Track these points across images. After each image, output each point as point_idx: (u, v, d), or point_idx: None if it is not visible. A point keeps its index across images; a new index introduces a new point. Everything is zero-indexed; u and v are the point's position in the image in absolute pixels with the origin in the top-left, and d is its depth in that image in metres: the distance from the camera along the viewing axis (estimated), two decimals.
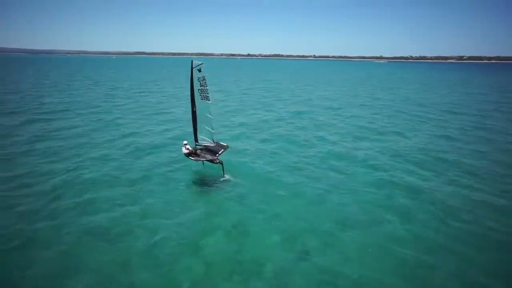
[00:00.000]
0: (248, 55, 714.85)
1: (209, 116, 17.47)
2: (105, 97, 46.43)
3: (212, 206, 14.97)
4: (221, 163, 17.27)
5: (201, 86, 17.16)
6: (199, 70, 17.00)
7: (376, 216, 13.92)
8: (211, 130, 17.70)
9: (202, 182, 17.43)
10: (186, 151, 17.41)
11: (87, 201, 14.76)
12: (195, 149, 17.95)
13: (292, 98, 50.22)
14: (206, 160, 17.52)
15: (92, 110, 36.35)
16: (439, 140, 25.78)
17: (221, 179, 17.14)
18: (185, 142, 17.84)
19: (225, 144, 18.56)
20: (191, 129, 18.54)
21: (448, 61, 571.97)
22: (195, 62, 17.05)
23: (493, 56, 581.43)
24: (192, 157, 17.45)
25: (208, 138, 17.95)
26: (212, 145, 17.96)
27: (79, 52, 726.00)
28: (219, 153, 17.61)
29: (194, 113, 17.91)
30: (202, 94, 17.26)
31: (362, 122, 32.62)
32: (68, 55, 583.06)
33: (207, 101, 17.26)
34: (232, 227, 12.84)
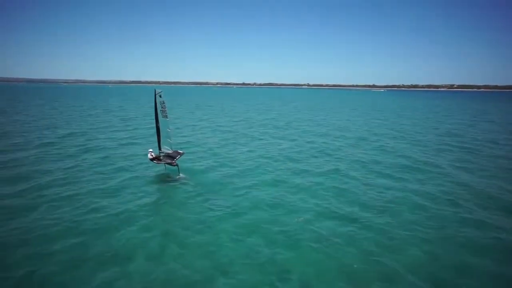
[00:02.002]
0: (243, 83, 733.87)
1: (168, 130, 23.12)
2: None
3: (167, 194, 20.22)
4: (177, 165, 22.71)
5: (162, 108, 22.91)
6: (160, 96, 22.82)
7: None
8: (169, 140, 23.30)
9: (163, 179, 22.78)
10: (151, 157, 22.97)
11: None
12: (158, 155, 23.46)
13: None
14: (166, 163, 22.99)
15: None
16: None
17: (177, 177, 22.54)
18: (150, 150, 23.42)
19: (181, 151, 24.10)
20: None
21: (439, 89, 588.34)
22: (157, 91, 22.80)
23: (482, 84, 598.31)
24: (155, 161, 22.97)
25: (168, 146, 23.52)
26: (171, 152, 23.49)
27: (76, 81, 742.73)
28: (176, 158, 23.06)
29: (158, 129, 23.58)
30: (163, 114, 22.95)
31: None
32: (64, 84, 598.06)
33: (167, 118, 22.98)
34: (177, 207, 18.19)
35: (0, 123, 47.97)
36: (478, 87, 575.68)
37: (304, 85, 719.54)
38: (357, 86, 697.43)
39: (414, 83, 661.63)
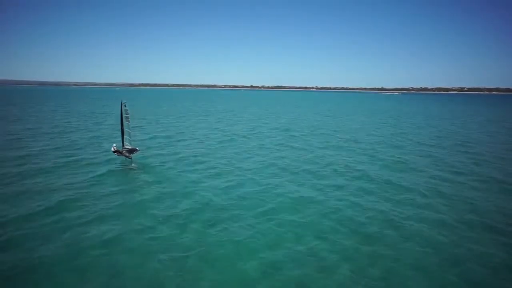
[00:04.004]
0: (251, 86, 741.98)
1: (129, 130, 30.75)
2: None
3: (121, 178, 27.56)
4: (131, 158, 30.21)
5: (126, 114, 30.55)
6: (125, 106, 30.47)
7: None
8: (129, 138, 30.92)
9: (120, 166, 30.24)
10: (113, 149, 30.67)
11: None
12: (120, 149, 31.02)
13: None
14: (125, 156, 30.53)
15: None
16: None
17: (130, 166, 29.91)
18: (114, 144, 31.11)
19: (138, 149, 31.57)
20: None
21: (449, 92, 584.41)
22: (123, 102, 30.40)
23: (493, 87, 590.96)
24: (117, 153, 30.64)
25: (128, 143, 31.13)
26: (130, 147, 31.05)
27: (85, 84, 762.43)
28: (133, 153, 30.54)
29: (122, 129, 31.23)
30: (126, 118, 30.62)
31: None
32: (75, 86, 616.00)
33: (128, 122, 30.61)
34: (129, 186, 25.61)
35: None
36: (490, 90, 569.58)
37: (312, 88, 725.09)
38: (365, 89, 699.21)
39: (422, 85, 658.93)
